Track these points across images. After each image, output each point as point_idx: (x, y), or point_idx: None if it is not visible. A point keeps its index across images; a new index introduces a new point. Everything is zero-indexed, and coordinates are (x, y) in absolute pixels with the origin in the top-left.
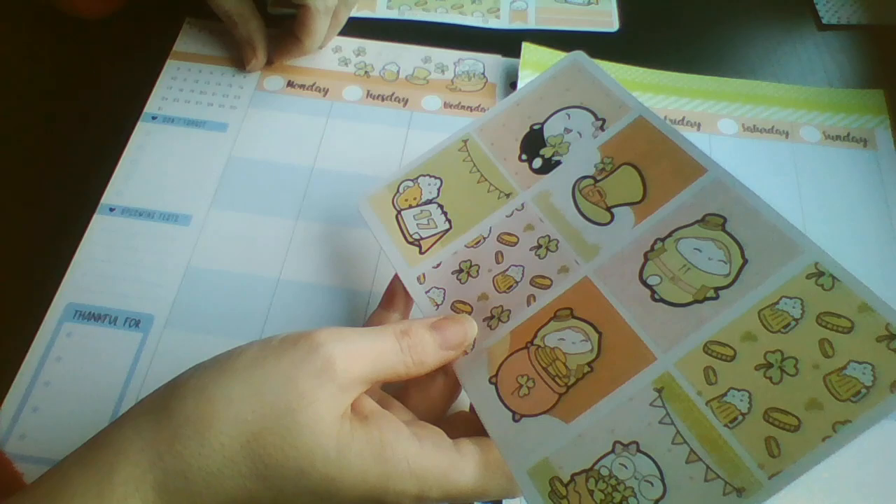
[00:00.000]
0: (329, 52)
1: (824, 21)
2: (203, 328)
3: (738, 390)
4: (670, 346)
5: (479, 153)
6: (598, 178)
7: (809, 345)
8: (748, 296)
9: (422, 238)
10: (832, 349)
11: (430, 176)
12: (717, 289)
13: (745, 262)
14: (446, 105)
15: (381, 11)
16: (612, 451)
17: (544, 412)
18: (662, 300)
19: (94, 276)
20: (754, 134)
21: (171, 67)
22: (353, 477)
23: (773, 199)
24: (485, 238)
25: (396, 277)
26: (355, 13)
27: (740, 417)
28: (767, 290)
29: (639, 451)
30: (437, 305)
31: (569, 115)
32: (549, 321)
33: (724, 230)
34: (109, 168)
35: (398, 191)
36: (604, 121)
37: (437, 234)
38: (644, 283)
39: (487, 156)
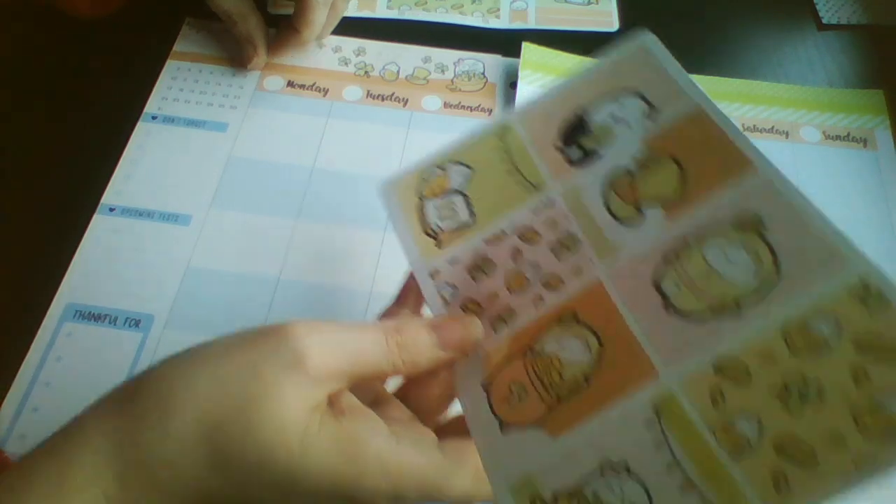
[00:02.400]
0: (329, 52)
1: (824, 21)
2: (203, 328)
3: (749, 417)
4: (676, 361)
5: (518, 142)
6: (635, 172)
7: (839, 371)
8: (775, 311)
9: (441, 231)
10: (867, 378)
11: (461, 164)
12: (738, 300)
13: (778, 271)
14: (446, 105)
15: (381, 11)
16: (601, 472)
17: (532, 424)
18: (676, 310)
19: (94, 276)
20: (754, 134)
21: (171, 67)
22: (317, 472)
23: None
24: (506, 234)
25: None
26: (355, 13)
27: (747, 446)
28: (799, 305)
29: (629, 475)
30: (447, 303)
31: (621, 104)
32: (551, 325)
33: (759, 234)
34: (109, 168)
35: (424, 178)
36: (656, 109)
37: (458, 227)
38: (658, 289)
39: (524, 145)
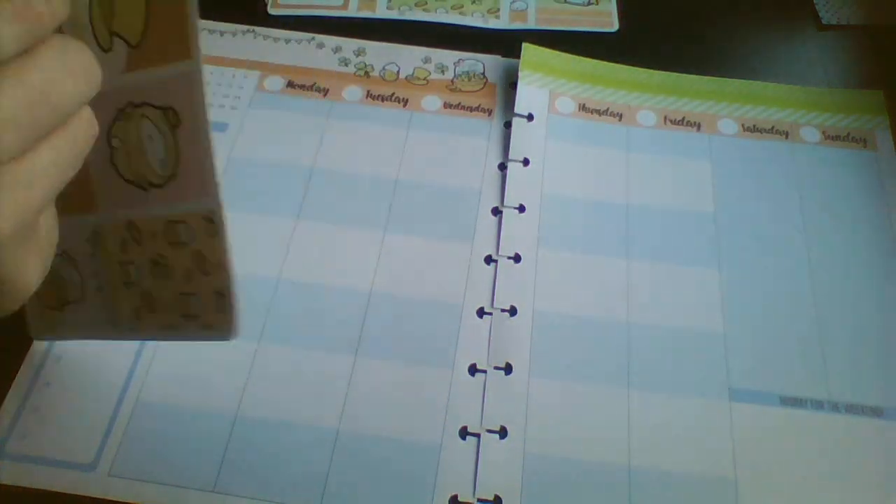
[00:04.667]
0: (329, 52)
1: (824, 21)
2: None
3: (137, 265)
4: (110, 208)
5: None
6: None
7: (182, 263)
8: (167, 206)
9: None
10: (191, 276)
11: None
12: (150, 183)
13: (175, 175)
14: (446, 105)
15: (381, 12)
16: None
17: None
18: (115, 167)
19: None
20: (754, 134)
21: None
22: None
23: (772, 199)
24: None
25: None
26: (355, 13)
27: (131, 283)
28: (178, 208)
29: (69, 260)
30: None
31: None
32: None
33: (174, 131)
34: None
35: None
36: None
37: None
38: (108, 140)
39: None
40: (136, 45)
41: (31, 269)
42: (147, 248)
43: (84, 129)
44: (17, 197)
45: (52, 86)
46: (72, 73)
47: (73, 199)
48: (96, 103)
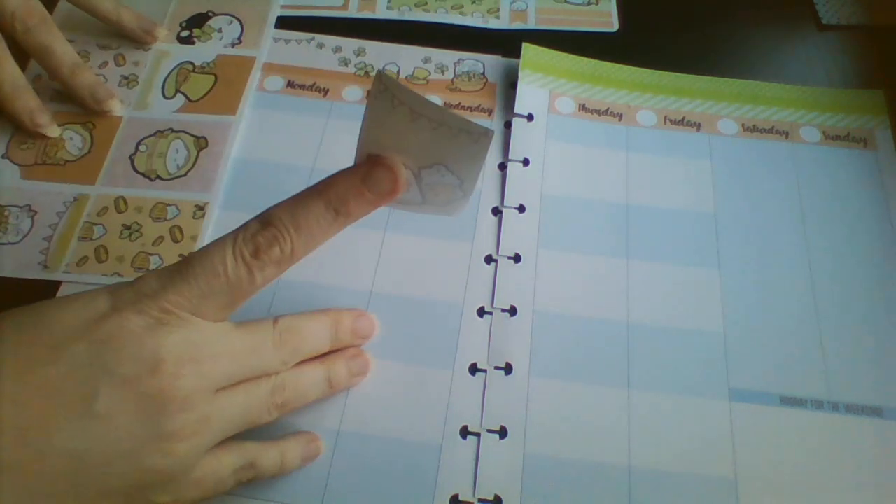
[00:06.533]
0: (329, 52)
1: (824, 21)
2: None
3: (104, 227)
4: (106, 186)
5: None
6: (195, 69)
7: (156, 232)
8: (156, 193)
9: None
10: (161, 242)
11: None
12: (159, 177)
13: (184, 175)
14: (446, 105)
15: (382, 12)
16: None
17: None
18: (132, 161)
19: None
20: (754, 134)
21: None
22: None
23: (772, 199)
24: None
25: None
26: (355, 13)
27: (87, 239)
28: (170, 196)
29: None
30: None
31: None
32: None
33: (199, 151)
34: None
35: None
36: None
37: None
38: (137, 145)
39: None
40: (195, 100)
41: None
42: (125, 217)
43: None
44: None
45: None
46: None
47: (79, 171)
48: (139, 123)
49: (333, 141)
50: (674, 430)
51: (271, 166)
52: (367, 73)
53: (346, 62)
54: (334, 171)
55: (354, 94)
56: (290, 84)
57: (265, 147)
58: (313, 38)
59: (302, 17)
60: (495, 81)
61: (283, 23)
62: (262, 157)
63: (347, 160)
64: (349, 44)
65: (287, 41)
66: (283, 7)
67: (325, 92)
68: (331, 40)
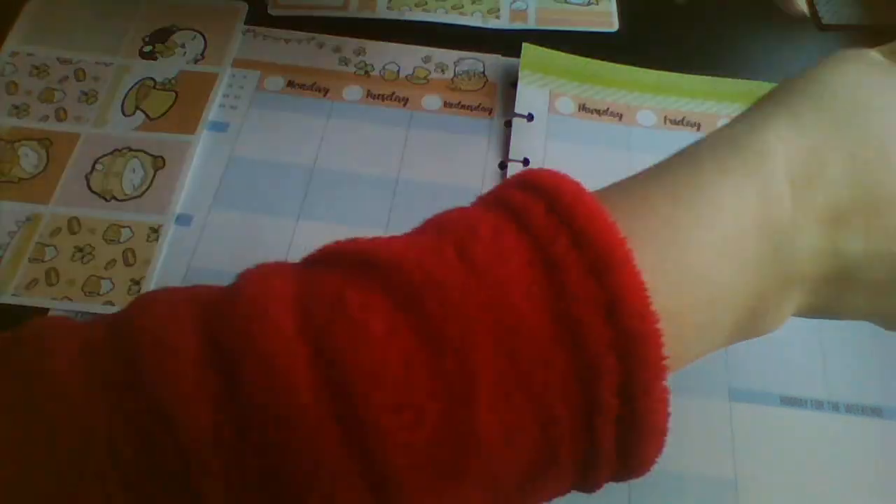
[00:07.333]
0: (329, 52)
1: (824, 21)
2: None
3: (56, 249)
4: (60, 206)
5: None
6: (156, 86)
7: (108, 255)
8: (109, 214)
9: None
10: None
11: None
12: (114, 198)
13: (139, 196)
14: (446, 104)
15: (382, 12)
16: None
17: None
18: (87, 180)
19: None
20: None
21: None
22: None
23: None
24: None
25: None
26: (355, 13)
27: (38, 261)
28: (123, 218)
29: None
30: None
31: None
32: None
33: (156, 171)
34: None
35: None
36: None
37: None
38: (94, 164)
39: None
40: (155, 118)
41: None
42: (78, 238)
43: None
44: None
45: None
46: None
47: (34, 190)
48: (96, 140)
49: (333, 140)
50: (674, 430)
51: (271, 166)
52: (367, 72)
53: (346, 62)
54: (334, 170)
55: (354, 93)
56: (290, 84)
57: (265, 147)
58: (313, 38)
59: (302, 17)
60: (495, 81)
61: (283, 22)
62: (262, 157)
63: (348, 159)
64: (349, 43)
65: (287, 41)
66: (283, 6)
67: (325, 91)
68: (331, 40)
